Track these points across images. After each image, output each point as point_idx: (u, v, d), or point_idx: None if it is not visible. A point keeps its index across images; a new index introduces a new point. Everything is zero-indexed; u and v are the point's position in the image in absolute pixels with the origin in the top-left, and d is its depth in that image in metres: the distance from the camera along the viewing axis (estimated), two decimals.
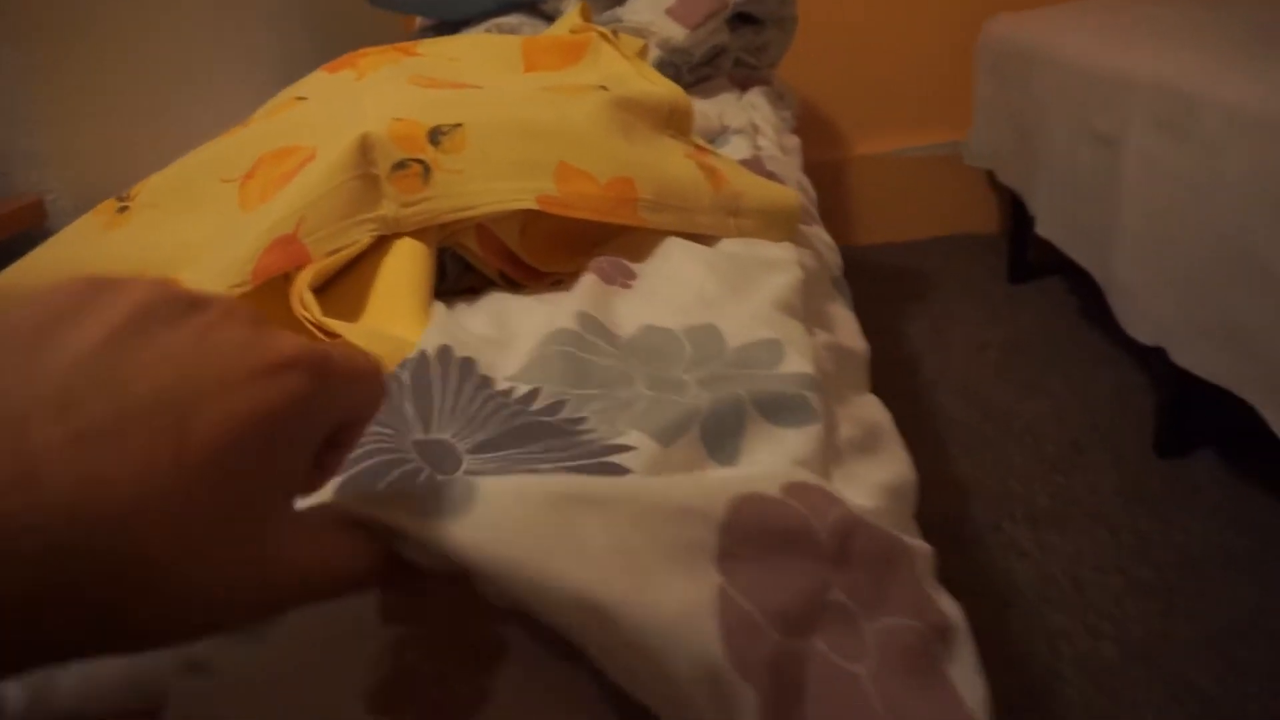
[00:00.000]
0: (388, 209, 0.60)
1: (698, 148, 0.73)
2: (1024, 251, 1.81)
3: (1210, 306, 1.01)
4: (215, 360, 0.22)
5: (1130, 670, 0.95)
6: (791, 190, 0.70)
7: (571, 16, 0.96)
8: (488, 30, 1.34)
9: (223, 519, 0.21)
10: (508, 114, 0.65)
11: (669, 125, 0.72)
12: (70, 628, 0.19)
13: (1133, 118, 1.19)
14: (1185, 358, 1.08)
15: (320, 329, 0.54)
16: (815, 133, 2.05)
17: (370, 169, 0.60)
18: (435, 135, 0.62)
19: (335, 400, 0.25)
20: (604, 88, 0.70)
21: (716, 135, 0.94)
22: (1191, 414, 1.24)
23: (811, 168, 2.05)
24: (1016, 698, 0.94)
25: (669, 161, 0.67)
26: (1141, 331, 1.18)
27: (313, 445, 0.24)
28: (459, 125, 0.62)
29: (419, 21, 1.56)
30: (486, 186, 0.60)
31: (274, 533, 0.23)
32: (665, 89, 0.73)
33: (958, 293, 1.86)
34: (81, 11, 1.05)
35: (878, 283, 1.94)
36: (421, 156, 0.61)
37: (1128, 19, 1.45)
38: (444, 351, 0.48)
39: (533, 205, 0.59)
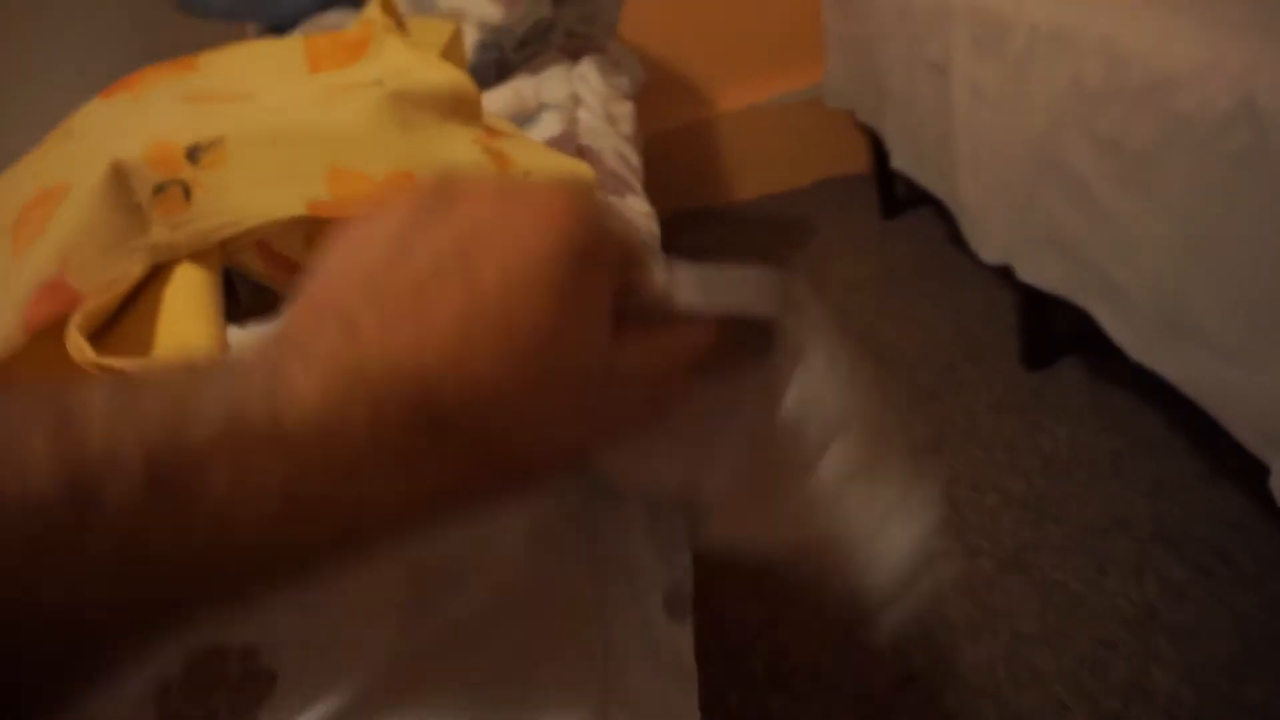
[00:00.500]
0: (157, 235, 0.58)
1: (488, 131, 0.72)
2: (891, 187, 1.84)
3: (1036, 219, 1.03)
4: (488, 226, 0.24)
5: (1005, 582, 0.98)
6: (582, 164, 0.69)
7: (371, 7, 0.93)
8: (307, 31, 1.30)
9: (536, 349, 0.23)
10: (272, 122, 0.63)
11: (455, 114, 0.71)
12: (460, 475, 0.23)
13: (955, 43, 1.20)
14: (1027, 272, 1.11)
15: (104, 372, 0.52)
16: (677, 93, 2.05)
17: (130, 197, 0.58)
18: (193, 153, 0.60)
19: (607, 246, 0.26)
20: (379, 82, 0.68)
21: (532, 114, 0.93)
22: (1054, 324, 1.27)
23: (677, 130, 2.06)
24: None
25: (451, 150, 0.66)
26: (988, 251, 1.20)
27: (604, 288, 0.26)
28: (218, 140, 0.60)
29: (253, 28, 1.51)
30: (251, 199, 0.58)
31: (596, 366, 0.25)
32: (445, 77, 0.71)
33: (835, 235, 1.88)
34: None
35: (759, 236, 1.96)
36: (180, 177, 0.59)
37: None
38: None
39: (303, 212, 0.58)
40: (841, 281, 1.68)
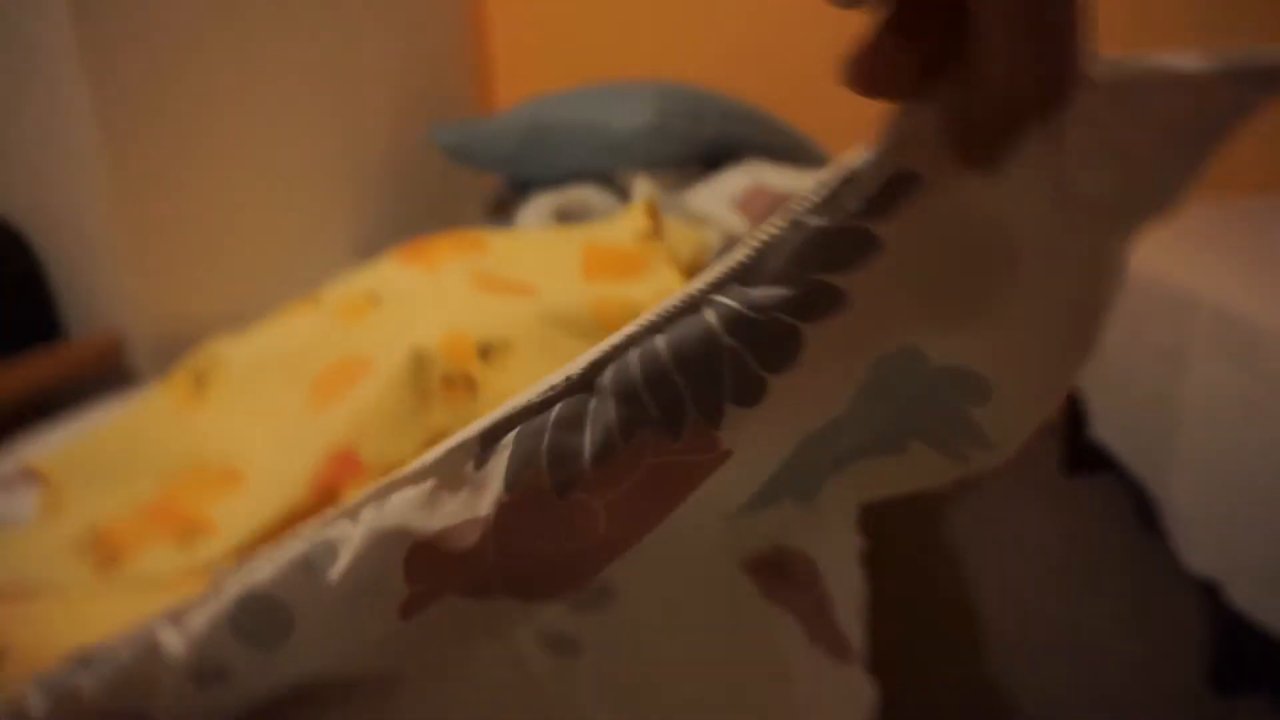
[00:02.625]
0: (438, 419, 0.62)
1: None
2: (1079, 442, 1.77)
3: (1270, 547, 0.97)
4: None
5: None
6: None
7: (635, 212, 0.99)
8: (558, 199, 1.39)
9: None
10: (552, 335, 0.67)
11: None
12: None
13: (1195, 336, 1.17)
14: (1241, 597, 1.03)
15: None
16: None
17: (425, 382, 0.62)
18: (485, 351, 0.64)
19: None
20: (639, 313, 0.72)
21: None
22: (1252, 650, 1.17)
23: None
24: None
25: None
26: (1196, 561, 1.13)
27: None
28: (507, 343, 0.65)
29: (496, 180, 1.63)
30: None
31: None
32: None
33: (1009, 483, 1.81)
34: (180, 153, 1.12)
35: None
36: (468, 370, 0.63)
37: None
38: None
39: None
40: (1014, 540, 1.61)
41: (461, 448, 0.28)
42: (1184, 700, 1.20)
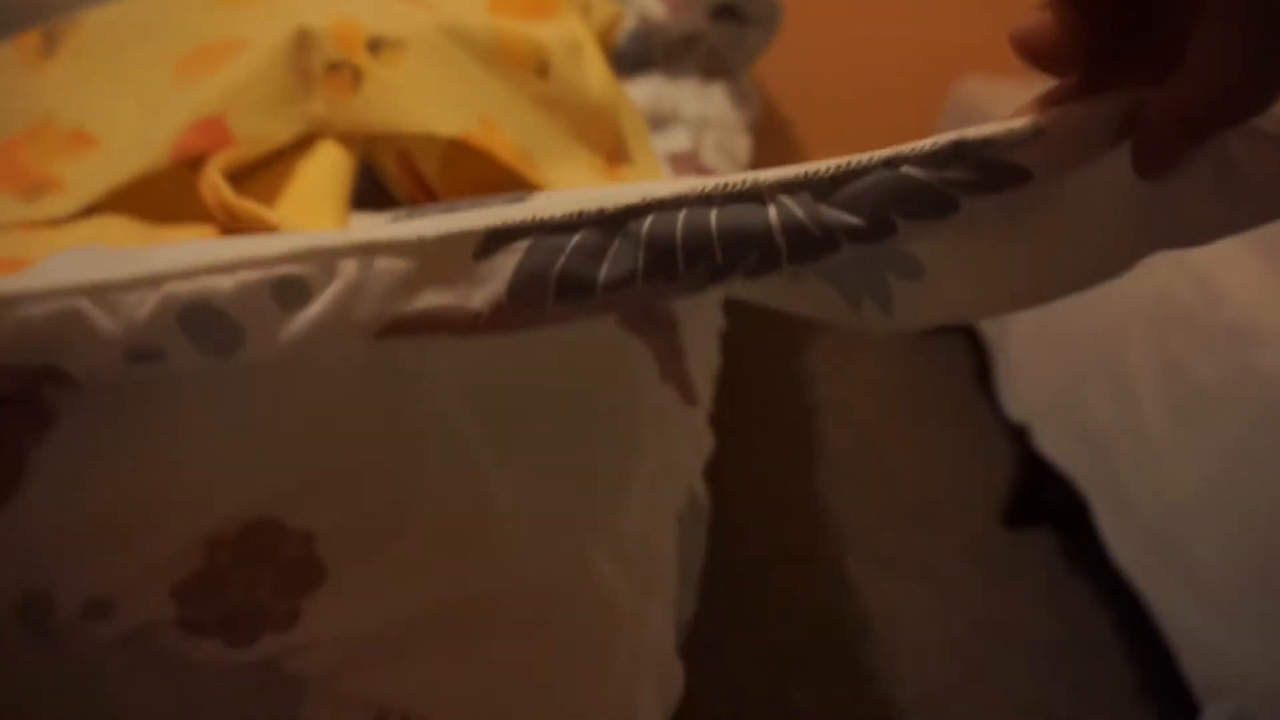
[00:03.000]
0: (317, 108, 0.59)
1: (608, 160, 0.74)
2: None
3: (1074, 400, 1.06)
4: None
5: (917, 718, 1.01)
6: None
7: None
8: None
9: None
10: (449, 49, 0.64)
11: (589, 128, 0.73)
12: None
13: None
14: (1044, 443, 1.14)
15: (230, 214, 0.53)
16: (767, 138, 2.07)
17: (306, 64, 0.59)
18: (375, 45, 0.61)
19: None
20: (544, 68, 0.70)
21: (664, 122, 0.95)
22: (1042, 492, 1.30)
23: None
24: None
25: (572, 169, 0.68)
26: (1013, 406, 1.23)
27: None
28: (400, 42, 0.62)
29: None
30: (417, 107, 0.60)
31: None
32: (599, 91, 0.73)
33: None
34: None
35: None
36: (355, 61, 0.60)
37: None
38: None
39: (459, 136, 0.59)
40: (863, 380, 1.71)
41: (464, 236, 0.29)
42: (971, 525, 1.33)
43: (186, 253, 0.29)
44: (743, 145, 1.12)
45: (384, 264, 0.28)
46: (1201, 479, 0.81)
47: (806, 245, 0.28)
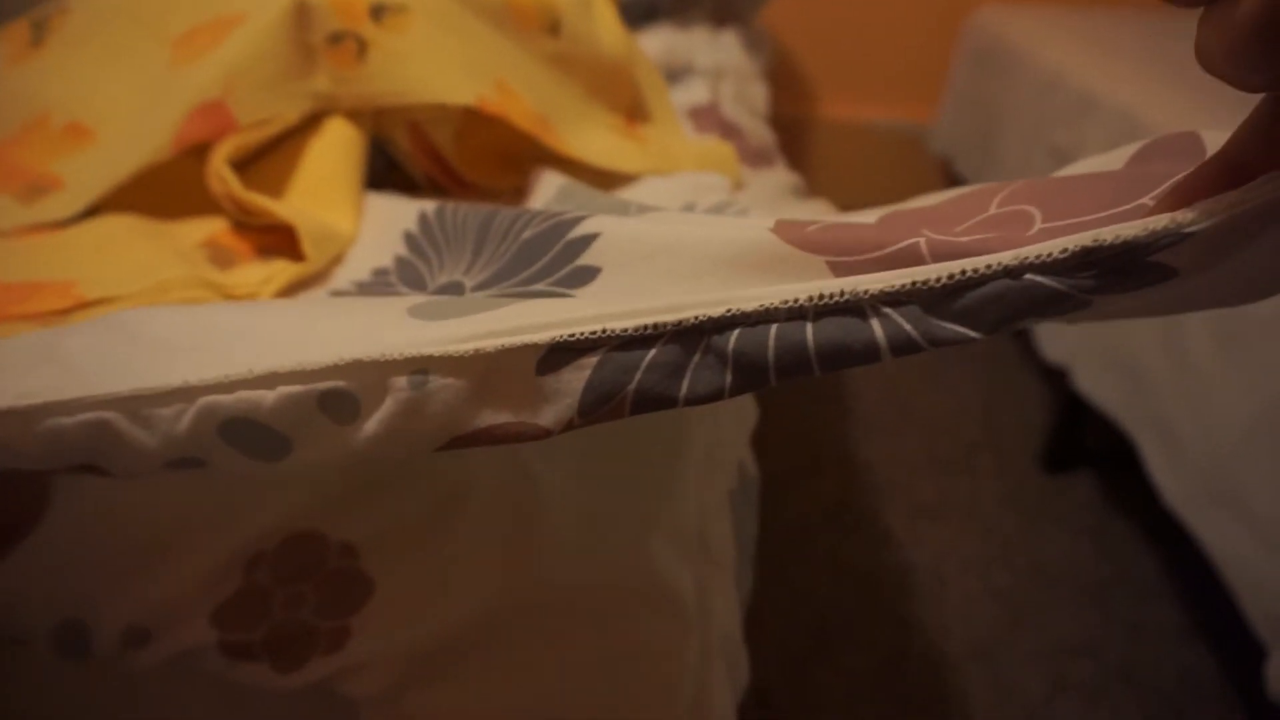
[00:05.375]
0: (322, 84, 0.56)
1: (628, 118, 0.71)
2: None
3: (1115, 339, 1.03)
4: None
5: (967, 668, 0.99)
6: (724, 144, 0.68)
7: None
8: None
9: None
10: (459, 10, 0.61)
11: (608, 88, 0.69)
12: None
13: (1089, 138, 1.19)
14: (1085, 383, 1.10)
15: (240, 206, 0.50)
16: (781, 84, 2.02)
17: (306, 37, 0.56)
18: (377, 11, 0.58)
19: None
20: (555, 25, 0.66)
21: (679, 74, 0.91)
22: (1082, 434, 1.28)
23: (773, 119, 2.04)
24: (859, 680, 0.97)
25: (593, 130, 0.65)
26: (1052, 349, 1.20)
27: None
28: (404, 7, 0.58)
29: None
30: (427, 75, 0.57)
31: None
32: (615, 50, 0.70)
33: None
34: None
35: None
36: (359, 31, 0.57)
37: (1126, 35, 1.45)
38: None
39: (473, 104, 0.56)
40: None
41: (525, 350, 0.26)
42: (1009, 471, 1.30)
43: (213, 348, 0.28)
44: (760, 94, 1.07)
45: (439, 382, 0.26)
46: (1250, 411, 0.78)
47: (913, 354, 0.25)
